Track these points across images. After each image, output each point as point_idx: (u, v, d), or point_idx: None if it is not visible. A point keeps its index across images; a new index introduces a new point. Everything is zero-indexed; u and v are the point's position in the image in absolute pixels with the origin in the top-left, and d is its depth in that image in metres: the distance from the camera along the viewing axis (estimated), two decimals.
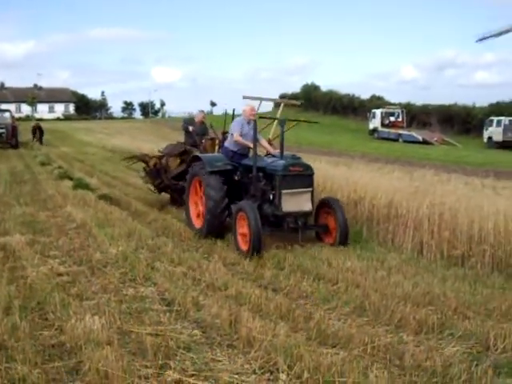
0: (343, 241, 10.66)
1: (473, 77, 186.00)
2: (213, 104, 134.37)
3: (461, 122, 66.00)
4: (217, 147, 14.35)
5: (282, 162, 10.77)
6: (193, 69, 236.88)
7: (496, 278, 8.70)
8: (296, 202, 10.55)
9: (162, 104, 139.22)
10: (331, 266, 9.06)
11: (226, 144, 12.12)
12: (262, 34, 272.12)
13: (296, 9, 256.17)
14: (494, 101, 67.45)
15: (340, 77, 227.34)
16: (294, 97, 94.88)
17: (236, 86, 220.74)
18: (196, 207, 12.07)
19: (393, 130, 61.31)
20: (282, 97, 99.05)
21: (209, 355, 5.69)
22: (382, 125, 63.72)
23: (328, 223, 10.96)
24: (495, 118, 53.88)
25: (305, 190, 10.67)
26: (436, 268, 9.23)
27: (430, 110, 70.12)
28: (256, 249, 9.69)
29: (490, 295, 7.69)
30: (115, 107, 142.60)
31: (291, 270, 8.92)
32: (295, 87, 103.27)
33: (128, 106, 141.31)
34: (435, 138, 57.23)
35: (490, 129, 53.62)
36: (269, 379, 5.16)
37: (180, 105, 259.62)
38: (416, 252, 10.29)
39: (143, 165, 15.76)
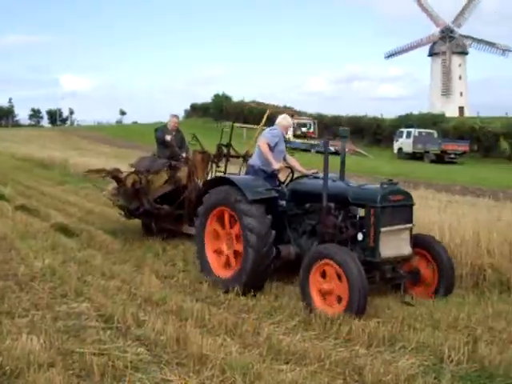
0: (449, 291, 8.27)
1: (378, 89, 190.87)
2: (122, 113, 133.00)
3: (371, 133, 67.33)
4: (210, 165, 12.33)
5: (374, 187, 8.20)
6: (103, 77, 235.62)
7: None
8: (396, 244, 7.93)
9: (71, 112, 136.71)
10: (270, 279, 8.86)
11: (254, 162, 9.80)
12: (174, 44, 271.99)
13: (206, 19, 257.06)
14: (400, 113, 69.35)
15: (251, 87, 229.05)
16: (204, 107, 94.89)
17: (146, 96, 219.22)
18: (218, 251, 8.99)
19: (305, 141, 61.85)
20: (193, 107, 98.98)
21: (159, 375, 5.39)
22: (294, 135, 64.16)
23: (420, 269, 8.36)
24: (405, 130, 55.32)
25: (405, 226, 8.08)
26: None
27: (341, 121, 71.20)
28: (361, 311, 7.04)
29: (434, 306, 7.66)
30: (22, 114, 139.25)
31: None
32: (206, 98, 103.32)
33: (35, 114, 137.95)
34: (347, 149, 58.00)
35: (400, 140, 54.95)
36: None
37: (89, 113, 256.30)
38: None
39: (110, 182, 12.57)
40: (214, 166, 12.30)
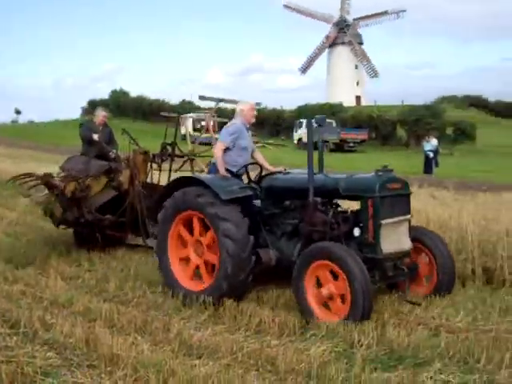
0: (449, 288, 7.73)
1: (278, 81, 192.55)
2: (17, 112, 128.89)
3: (272, 124, 67.97)
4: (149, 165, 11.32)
5: (369, 176, 7.47)
6: None
7: None
8: (396, 238, 7.27)
9: None
10: None
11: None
12: (68, 40, 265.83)
13: (102, 14, 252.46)
14: (299, 104, 70.40)
15: (149, 82, 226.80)
16: (103, 103, 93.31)
17: (42, 94, 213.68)
18: (185, 261, 8.12)
19: (205, 134, 61.76)
20: (91, 103, 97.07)
21: (70, 379, 5.24)
22: (194, 129, 64.00)
23: (419, 264, 7.75)
24: (304, 120, 56.01)
25: (404, 217, 7.43)
26: None
27: (178, 119, 71.35)
28: (366, 316, 6.50)
29: None
30: None
31: (136, 280, 8.58)
32: (103, 93, 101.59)
33: None
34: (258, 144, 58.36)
35: (300, 130, 55.60)
36: None
37: None
38: None
39: (42, 189, 10.81)
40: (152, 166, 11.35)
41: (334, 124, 56.42)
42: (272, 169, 8.78)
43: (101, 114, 12.23)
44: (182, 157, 11.91)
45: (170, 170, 11.29)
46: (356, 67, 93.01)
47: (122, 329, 6.55)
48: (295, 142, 56.65)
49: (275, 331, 6.44)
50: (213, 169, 8.97)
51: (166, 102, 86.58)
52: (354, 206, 7.70)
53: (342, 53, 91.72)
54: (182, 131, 65.12)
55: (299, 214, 7.79)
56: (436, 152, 33.07)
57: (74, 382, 5.19)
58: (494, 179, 25.67)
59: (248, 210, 7.74)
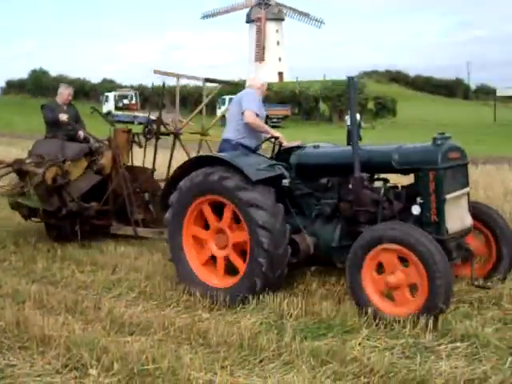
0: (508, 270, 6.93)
1: (200, 58, 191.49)
2: None
3: (193, 101, 67.63)
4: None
5: (427, 145, 6.45)
6: None
7: None
8: (459, 214, 6.48)
9: None
10: (105, 253, 8.83)
11: (230, 135, 8.09)
12: None
13: None
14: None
15: (69, 61, 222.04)
16: (21, 83, 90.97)
17: None
18: (202, 252, 7.11)
19: (127, 113, 61.20)
20: (9, 83, 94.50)
21: (2, 361, 5.19)
22: (116, 108, 63.44)
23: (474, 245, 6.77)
24: (227, 97, 56.06)
25: (464, 191, 6.63)
26: None
27: (163, 92, 70.99)
28: (445, 308, 5.75)
29: None
30: None
31: (64, 261, 8.52)
32: (22, 73, 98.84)
33: None
34: (170, 119, 58.06)
35: (223, 107, 55.38)
36: (76, 377, 4.86)
37: None
38: None
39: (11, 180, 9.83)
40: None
41: None
42: (289, 144, 7.80)
43: (65, 92, 10.87)
44: (168, 135, 11.07)
45: (156, 150, 10.53)
46: (278, 43, 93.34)
47: (53, 309, 6.51)
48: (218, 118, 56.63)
49: (206, 305, 6.52)
50: (226, 146, 8.04)
51: (87, 81, 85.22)
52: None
53: (265, 29, 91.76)
54: (104, 109, 64.71)
55: (338, 192, 6.88)
56: (359, 126, 33.60)
57: (6, 365, 5.15)
58: None
59: (277, 191, 6.79)
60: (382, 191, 6.59)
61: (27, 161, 9.48)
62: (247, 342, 5.36)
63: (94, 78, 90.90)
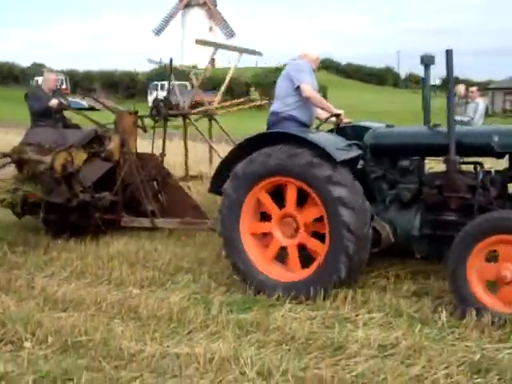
0: None
1: (130, 44, 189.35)
2: None
3: (125, 87, 67.26)
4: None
5: None
6: None
7: None
8: None
9: None
10: (36, 234, 8.92)
11: (278, 107, 7.41)
12: None
13: None
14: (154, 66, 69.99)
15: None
16: None
17: None
18: (268, 246, 6.44)
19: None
20: None
21: None
22: None
23: None
24: (159, 83, 55.89)
25: None
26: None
27: (94, 77, 70.26)
28: None
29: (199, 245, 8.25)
30: None
31: None
32: None
33: None
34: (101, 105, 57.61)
35: (155, 93, 55.37)
36: (11, 350, 5.04)
37: None
38: None
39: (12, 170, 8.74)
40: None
41: (189, 87, 56.58)
42: (347, 120, 7.45)
43: (51, 78, 10.24)
44: (176, 116, 10.30)
45: (165, 133, 9.85)
46: (210, 29, 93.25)
47: None
48: (150, 104, 56.44)
49: (136, 283, 6.76)
50: (274, 119, 7.43)
51: (16, 65, 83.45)
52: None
53: (197, 15, 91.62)
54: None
55: (418, 177, 6.36)
56: None
57: None
58: None
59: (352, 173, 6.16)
60: (481, 176, 6.01)
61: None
62: (176, 315, 5.64)
63: (24, 62, 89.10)
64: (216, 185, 6.85)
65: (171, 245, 8.33)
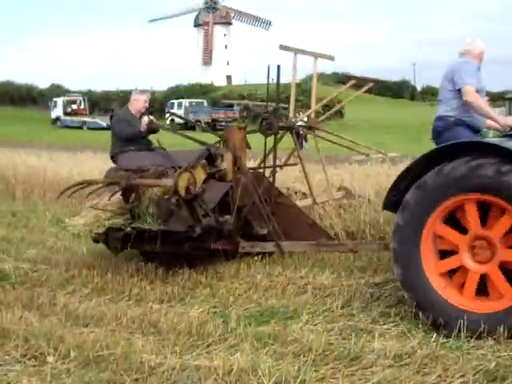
0: None
1: (147, 62, 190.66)
2: None
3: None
4: None
5: None
6: None
7: None
8: None
9: None
10: (56, 252, 9.05)
11: (447, 111, 6.83)
12: None
13: None
14: (171, 85, 70.62)
15: (15, 66, 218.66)
16: None
17: None
18: (446, 260, 5.75)
19: (76, 118, 61.09)
20: None
21: None
22: (65, 113, 63.38)
23: None
24: (176, 101, 56.46)
25: None
26: None
27: (111, 96, 70.89)
28: None
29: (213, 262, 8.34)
30: None
31: (16, 260, 8.72)
32: None
33: None
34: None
35: (172, 111, 55.99)
36: (35, 365, 5.16)
37: None
38: None
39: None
40: None
41: (206, 104, 57.11)
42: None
43: (141, 99, 9.19)
44: (286, 129, 9.34)
45: (276, 149, 8.95)
46: (226, 47, 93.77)
47: (11, 305, 6.68)
48: (167, 122, 56.94)
49: (156, 298, 6.87)
50: (443, 125, 6.83)
51: (34, 87, 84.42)
52: None
53: (213, 33, 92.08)
54: (53, 115, 64.40)
55: None
56: None
57: None
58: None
59: None
60: None
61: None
62: (195, 329, 5.74)
63: (42, 84, 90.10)
64: (390, 200, 6.17)
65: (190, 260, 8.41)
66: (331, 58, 11.06)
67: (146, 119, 8.77)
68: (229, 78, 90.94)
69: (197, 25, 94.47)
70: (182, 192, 7.10)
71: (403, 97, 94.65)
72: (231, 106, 58.89)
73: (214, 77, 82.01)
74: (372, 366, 4.88)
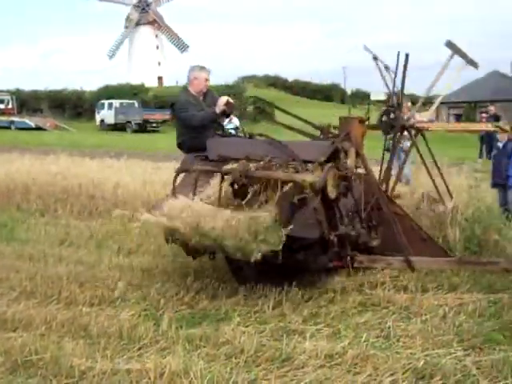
0: None
1: (78, 63, 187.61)
2: None
3: (72, 106, 66.61)
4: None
5: None
6: None
7: None
8: None
9: None
10: None
11: None
12: None
13: None
14: (100, 85, 69.63)
15: None
16: None
17: None
18: None
19: (4, 118, 59.59)
20: None
21: None
22: None
23: None
24: (106, 102, 55.75)
25: None
26: None
27: (40, 96, 69.42)
28: None
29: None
30: None
31: None
32: None
33: None
34: (48, 124, 57.15)
35: (102, 112, 55.45)
36: None
37: None
38: None
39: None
40: None
41: (136, 105, 56.61)
42: None
43: (202, 77, 8.02)
44: (407, 129, 8.29)
45: (394, 150, 8.10)
46: (157, 47, 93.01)
47: None
48: (98, 123, 56.27)
49: (86, 301, 6.76)
50: None
51: None
52: None
53: (144, 33, 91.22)
54: None
55: None
56: (237, 130, 34.48)
57: None
58: None
59: None
60: None
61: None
62: (126, 332, 5.70)
63: None
64: None
65: (121, 261, 8.34)
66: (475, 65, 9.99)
67: (223, 99, 7.71)
68: (160, 79, 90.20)
69: (128, 25, 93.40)
70: (333, 192, 6.16)
71: (333, 100, 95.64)
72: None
73: (145, 77, 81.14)
74: (303, 367, 4.93)
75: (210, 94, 8.07)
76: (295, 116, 7.85)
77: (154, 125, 53.76)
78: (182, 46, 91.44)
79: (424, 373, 4.78)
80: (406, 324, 5.80)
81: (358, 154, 6.97)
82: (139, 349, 5.41)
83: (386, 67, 7.95)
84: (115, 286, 7.21)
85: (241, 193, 6.36)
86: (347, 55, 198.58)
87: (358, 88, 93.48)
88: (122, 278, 7.51)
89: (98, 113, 56.47)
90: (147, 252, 8.75)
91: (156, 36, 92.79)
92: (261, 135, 7.26)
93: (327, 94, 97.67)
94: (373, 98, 70.21)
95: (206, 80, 7.98)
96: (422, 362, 4.90)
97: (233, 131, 34.81)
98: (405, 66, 7.67)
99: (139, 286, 7.22)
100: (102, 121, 55.30)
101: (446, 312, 6.06)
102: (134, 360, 5.15)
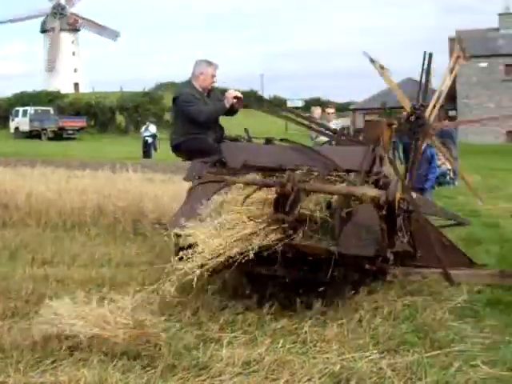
0: None
1: None
2: None
3: None
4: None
5: None
6: None
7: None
8: None
9: None
10: None
11: None
12: None
13: None
14: (14, 91, 68.03)
15: None
16: None
17: None
18: None
19: None
20: None
21: None
22: None
23: None
24: (21, 109, 54.62)
25: None
26: None
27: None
28: None
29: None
30: None
31: None
32: None
33: None
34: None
35: (17, 119, 54.32)
36: None
37: None
38: None
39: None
40: None
41: (52, 112, 55.63)
42: None
43: (209, 71, 7.56)
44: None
45: (416, 154, 7.43)
46: (74, 54, 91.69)
47: None
48: (12, 131, 55.02)
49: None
50: None
51: None
52: None
53: (60, 40, 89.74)
54: None
55: None
56: (154, 137, 34.45)
57: None
58: None
59: None
60: None
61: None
62: (40, 344, 5.54)
63: None
64: None
65: (35, 272, 8.14)
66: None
67: (232, 92, 7.31)
68: (76, 85, 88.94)
69: (43, 30, 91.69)
70: (400, 205, 5.72)
71: (250, 106, 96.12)
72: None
73: (61, 84, 79.86)
74: (221, 375, 4.91)
75: (215, 94, 7.72)
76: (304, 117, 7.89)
77: (70, 132, 52.99)
78: (112, 34, 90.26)
79: (340, 377, 4.83)
80: (322, 329, 5.87)
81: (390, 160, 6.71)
82: (53, 362, 5.26)
83: (382, 67, 7.89)
84: (29, 298, 7.03)
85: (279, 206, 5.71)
86: (265, 62, 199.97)
87: (276, 94, 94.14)
88: (36, 289, 7.33)
89: (13, 120, 55.23)
90: (62, 262, 8.57)
91: (72, 42, 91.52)
92: (281, 140, 6.93)
93: (244, 100, 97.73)
94: (289, 104, 71.32)
95: (213, 76, 7.59)
96: (338, 367, 4.96)
97: (149, 139, 34.84)
98: (428, 66, 7.39)
99: (54, 296, 7.04)
100: (17, 128, 54.12)
101: (362, 316, 6.15)
102: (48, 373, 5.01)
